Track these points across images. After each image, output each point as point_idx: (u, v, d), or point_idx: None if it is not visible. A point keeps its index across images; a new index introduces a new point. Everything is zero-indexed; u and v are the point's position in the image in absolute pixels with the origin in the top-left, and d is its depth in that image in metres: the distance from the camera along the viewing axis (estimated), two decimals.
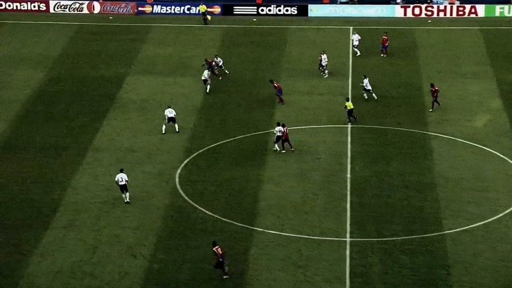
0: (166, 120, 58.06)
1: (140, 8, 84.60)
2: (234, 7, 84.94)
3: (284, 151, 55.13)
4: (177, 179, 52.29)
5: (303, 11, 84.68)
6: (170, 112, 58.13)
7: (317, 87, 66.72)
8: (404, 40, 77.23)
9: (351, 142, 57.25)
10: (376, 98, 62.97)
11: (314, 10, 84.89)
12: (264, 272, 43.14)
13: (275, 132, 55.53)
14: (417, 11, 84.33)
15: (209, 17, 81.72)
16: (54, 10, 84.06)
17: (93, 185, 51.29)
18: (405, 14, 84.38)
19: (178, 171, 53.32)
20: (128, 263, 43.72)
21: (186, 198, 50.23)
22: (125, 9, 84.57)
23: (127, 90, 65.79)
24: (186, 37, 78.39)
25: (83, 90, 65.61)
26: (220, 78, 66.51)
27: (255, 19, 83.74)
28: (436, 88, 61.32)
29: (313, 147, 56.58)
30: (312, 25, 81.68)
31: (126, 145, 56.53)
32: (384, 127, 59.33)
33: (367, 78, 63.21)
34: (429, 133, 58.46)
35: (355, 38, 72.98)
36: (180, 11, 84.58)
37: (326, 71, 68.20)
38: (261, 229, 46.92)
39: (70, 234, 46.17)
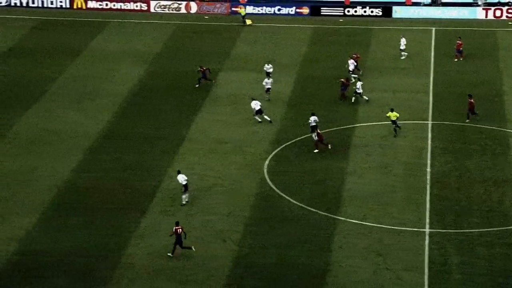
0: (255, 112, 58.23)
1: (233, 9, 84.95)
2: (322, 8, 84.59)
3: (317, 150, 54.12)
4: (265, 170, 52.38)
5: (387, 13, 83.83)
6: (255, 104, 58.25)
7: (400, 85, 65.99)
8: (485, 41, 75.74)
9: (432, 138, 56.46)
10: (367, 99, 61.51)
11: (398, 12, 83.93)
12: (346, 259, 42.92)
13: (309, 121, 55.17)
14: (498, 13, 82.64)
15: (248, 21, 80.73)
16: (154, 9, 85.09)
17: (188, 174, 51.61)
18: (486, 16, 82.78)
19: (266, 162, 53.41)
20: (218, 247, 44.01)
21: (273, 187, 50.28)
22: (220, 9, 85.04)
23: (220, 85, 66.18)
24: (276, 36, 78.40)
25: (179, 85, 66.27)
26: (214, 81, 65.45)
27: (341, 20, 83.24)
28: (472, 100, 58.17)
29: (394, 142, 55.99)
30: (395, 26, 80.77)
31: (218, 137, 56.86)
32: (464, 124, 58.32)
33: (361, 82, 62.12)
34: (508, 130, 57.24)
35: (402, 42, 71.68)
36: (271, 11, 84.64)
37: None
38: (344, 218, 46.68)
39: (165, 219, 46.70)
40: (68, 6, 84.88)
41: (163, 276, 41.58)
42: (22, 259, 42.76)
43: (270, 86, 62.10)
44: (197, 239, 44.65)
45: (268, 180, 51.06)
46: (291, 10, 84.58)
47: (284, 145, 55.53)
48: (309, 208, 47.74)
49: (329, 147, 54.33)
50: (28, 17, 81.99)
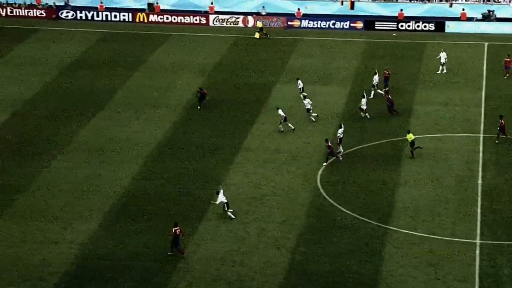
0: (283, 120, 58.03)
1: (289, 23, 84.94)
2: (376, 22, 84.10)
3: (325, 164, 53.39)
4: (318, 180, 52.13)
5: (440, 27, 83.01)
6: (282, 112, 58.21)
7: (452, 99, 65.22)
8: None
9: (483, 151, 55.63)
10: (369, 117, 60.34)
11: (451, 27, 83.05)
12: (398, 268, 42.44)
13: (338, 134, 54.78)
14: None
15: (257, 35, 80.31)
16: (213, 23, 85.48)
17: (244, 182, 51.77)
18: None
19: (320, 172, 53.15)
20: (272, 254, 43.87)
21: (327, 197, 49.99)
22: (276, 23, 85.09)
23: (275, 97, 66.11)
24: (331, 49, 78.15)
25: (236, 96, 66.39)
26: (199, 108, 62.64)
27: (395, 34, 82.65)
28: (502, 121, 56.19)
29: (447, 154, 55.32)
30: (448, 40, 79.91)
31: (273, 147, 56.77)
32: None
33: (366, 98, 61.12)
34: None
35: (443, 56, 70.64)
36: (325, 25, 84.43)
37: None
38: (396, 228, 46.19)
39: (222, 225, 46.72)
40: (130, 19, 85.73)
41: (219, 281, 41.58)
42: (84, 263, 43.15)
43: (309, 107, 60.81)
44: (252, 246, 44.58)
45: (321, 190, 50.79)
46: (346, 25, 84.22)
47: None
48: (362, 218, 47.36)
49: (340, 159, 53.79)
50: (93, 30, 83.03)
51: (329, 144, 53.76)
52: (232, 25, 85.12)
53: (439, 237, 45.15)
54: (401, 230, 45.95)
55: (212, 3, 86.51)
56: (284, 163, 54.44)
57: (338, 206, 48.84)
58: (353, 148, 56.33)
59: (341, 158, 53.94)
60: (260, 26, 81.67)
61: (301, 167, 53.83)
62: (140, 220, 47.25)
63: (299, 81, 65.57)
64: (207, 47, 78.85)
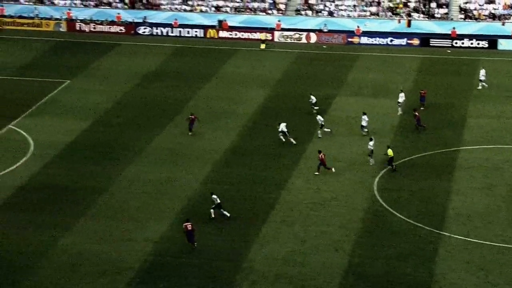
0: (281, 133, 57.51)
1: (349, 39, 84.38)
2: (431, 39, 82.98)
3: (317, 173, 52.53)
4: (375, 187, 51.49)
5: (493, 45, 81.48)
6: (283, 127, 57.66)
7: (505, 112, 63.88)
8: None
9: None
10: (365, 134, 58.48)
11: (503, 44, 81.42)
12: (450, 272, 41.59)
13: (369, 147, 54.06)
14: None
15: (262, 45, 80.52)
16: (278, 39, 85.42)
17: (305, 188, 51.44)
18: None
19: (376, 179, 52.50)
20: (331, 256, 43.43)
21: (383, 203, 49.33)
22: (337, 39, 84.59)
23: (335, 108, 65.62)
24: (389, 64, 77.32)
25: (298, 107, 66.08)
26: (190, 133, 59.23)
27: (449, 51, 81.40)
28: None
29: (498, 165, 54.11)
30: (501, 57, 78.34)
31: (333, 155, 56.29)
32: None
33: (366, 115, 59.47)
34: None
35: (482, 73, 68.93)
36: (384, 42, 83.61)
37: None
38: (448, 234, 45.30)
39: (284, 228, 46.46)
40: (202, 35, 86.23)
41: (281, 280, 41.29)
42: (157, 259, 43.35)
43: (321, 123, 59.23)
44: (313, 247, 44.22)
45: (378, 197, 50.13)
46: (403, 41, 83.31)
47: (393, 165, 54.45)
48: (416, 223, 46.57)
49: (333, 170, 52.77)
50: (167, 44, 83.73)
51: (321, 156, 52.62)
52: (295, 41, 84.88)
53: (490, 243, 44.11)
54: (454, 236, 45.05)
55: (279, 21, 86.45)
56: (343, 170, 53.90)
57: (393, 212, 48.14)
58: (408, 158, 55.51)
59: (333, 170, 52.77)
60: (263, 38, 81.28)
61: (358, 174, 53.24)
62: (208, 221, 47.26)
63: (312, 96, 64.30)
64: (272, 61, 78.74)
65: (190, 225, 43.75)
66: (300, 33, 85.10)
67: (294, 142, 57.67)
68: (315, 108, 63.22)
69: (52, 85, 70.64)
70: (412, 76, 72.95)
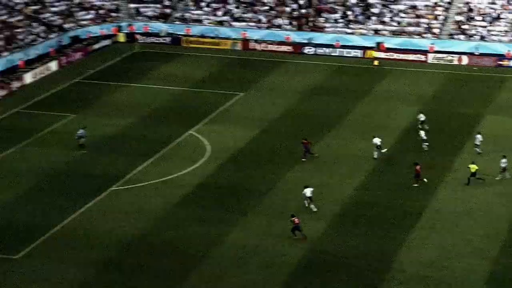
0: (376, 147, 55.98)
1: (499, 62, 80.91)
2: None
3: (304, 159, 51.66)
4: None
5: None
6: (378, 140, 55.95)
7: None
8: None
9: None
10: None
11: None
12: None
13: (502, 164, 51.66)
14: None
15: (376, 62, 78.45)
16: (431, 60, 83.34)
17: (451, 198, 49.85)
18: None
19: None
20: (476, 263, 41.86)
21: None
22: (488, 62, 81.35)
23: (485, 125, 63.02)
24: None
25: (448, 124, 64.01)
26: (303, 159, 56.36)
27: None
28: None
29: None
30: None
31: (481, 169, 53.65)
32: None
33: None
34: None
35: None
36: None
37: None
38: None
39: (432, 234, 45.30)
40: (361, 55, 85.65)
41: (427, 282, 40.26)
42: (313, 256, 43.46)
43: (424, 137, 57.73)
44: (458, 254, 42.78)
45: None
46: None
47: None
48: None
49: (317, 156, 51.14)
50: (330, 63, 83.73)
51: (418, 168, 51.03)
52: (447, 63, 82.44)
53: None
54: None
55: (432, 44, 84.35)
56: (487, 184, 51.67)
57: None
58: None
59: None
60: (374, 56, 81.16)
61: (502, 186, 50.82)
62: (361, 224, 46.83)
63: (421, 115, 62.13)
64: (424, 80, 76.88)
65: (297, 219, 44.59)
66: (453, 55, 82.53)
67: (375, 156, 55.76)
68: (424, 126, 60.87)
69: (227, 97, 72.56)
70: None
